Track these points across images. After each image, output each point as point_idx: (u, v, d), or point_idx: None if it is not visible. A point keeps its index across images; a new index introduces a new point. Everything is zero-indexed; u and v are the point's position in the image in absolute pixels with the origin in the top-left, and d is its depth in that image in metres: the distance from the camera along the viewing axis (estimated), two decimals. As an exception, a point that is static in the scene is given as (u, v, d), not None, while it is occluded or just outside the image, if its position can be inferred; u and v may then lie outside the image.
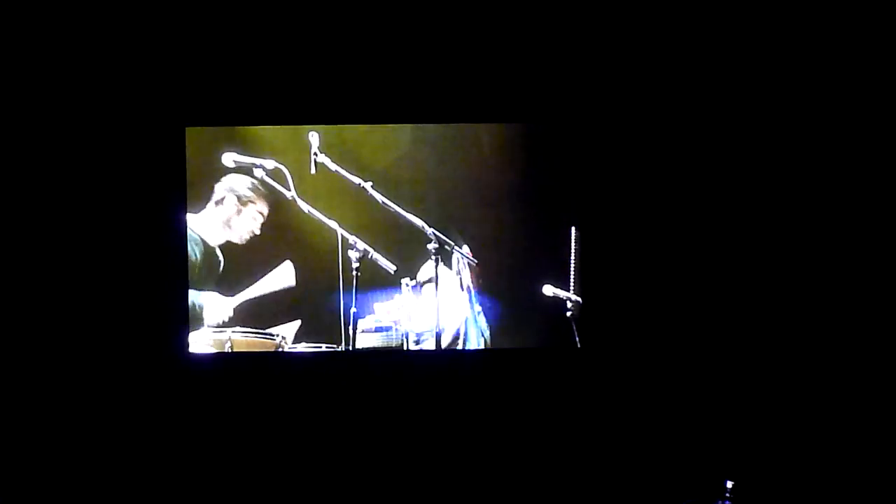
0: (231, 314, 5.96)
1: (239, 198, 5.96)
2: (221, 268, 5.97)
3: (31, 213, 5.79)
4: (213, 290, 5.96)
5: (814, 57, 5.82)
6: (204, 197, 5.96)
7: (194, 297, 5.94)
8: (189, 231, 5.92)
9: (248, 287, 5.97)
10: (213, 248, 5.97)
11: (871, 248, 5.82)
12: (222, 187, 5.97)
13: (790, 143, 5.87)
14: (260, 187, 5.95)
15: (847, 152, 5.83)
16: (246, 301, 5.96)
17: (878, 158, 5.81)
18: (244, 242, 5.98)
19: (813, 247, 5.87)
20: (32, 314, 5.79)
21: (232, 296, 5.97)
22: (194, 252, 5.93)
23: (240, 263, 5.99)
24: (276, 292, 5.96)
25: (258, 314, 5.97)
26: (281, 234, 6.00)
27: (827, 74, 5.82)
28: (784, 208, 5.88)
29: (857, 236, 5.84)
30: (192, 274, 5.93)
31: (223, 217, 5.99)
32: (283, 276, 5.98)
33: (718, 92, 5.88)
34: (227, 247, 5.99)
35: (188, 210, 5.93)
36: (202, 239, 5.96)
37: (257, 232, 5.99)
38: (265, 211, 5.98)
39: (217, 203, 5.98)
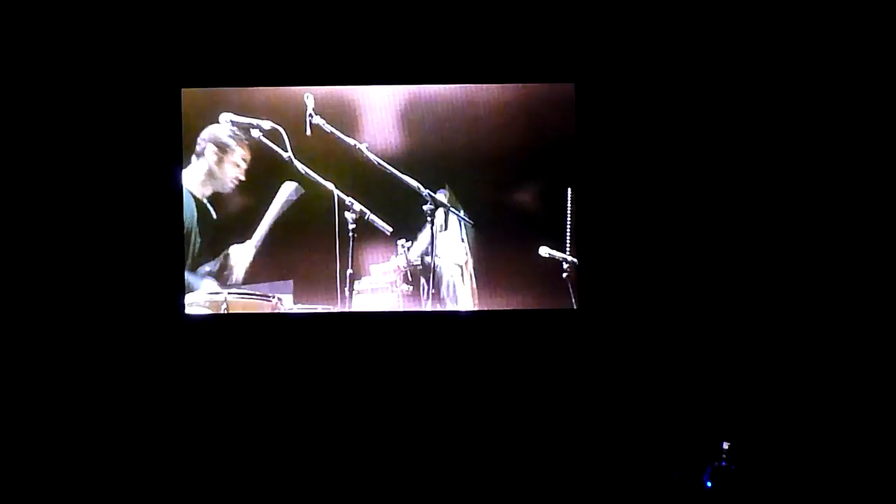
0: (254, 252, 5.94)
1: (218, 146, 5.93)
2: (215, 217, 5.96)
3: (26, 175, 5.77)
4: (233, 245, 5.97)
5: (803, 29, 5.84)
6: (191, 153, 5.94)
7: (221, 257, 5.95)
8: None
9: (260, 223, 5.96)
10: (203, 203, 5.95)
11: (857, 212, 5.86)
12: (201, 138, 5.94)
13: (786, 112, 5.87)
14: (239, 133, 5.91)
15: (840, 132, 5.86)
16: (264, 235, 5.95)
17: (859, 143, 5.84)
18: (231, 191, 5.95)
19: (803, 210, 5.88)
20: (27, 277, 5.78)
21: (247, 240, 5.96)
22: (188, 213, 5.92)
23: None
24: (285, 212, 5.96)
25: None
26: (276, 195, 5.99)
27: (816, 51, 5.85)
28: (778, 172, 5.89)
29: (846, 210, 5.86)
30: (194, 235, 5.93)
31: (205, 168, 5.95)
32: (287, 194, 5.96)
33: (719, 56, 5.87)
34: (217, 199, 5.96)
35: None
36: (191, 194, 5.93)
37: (242, 178, 5.95)
38: (247, 156, 5.94)
39: (198, 155, 5.94)
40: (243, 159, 5.94)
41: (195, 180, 5.93)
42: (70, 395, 5.77)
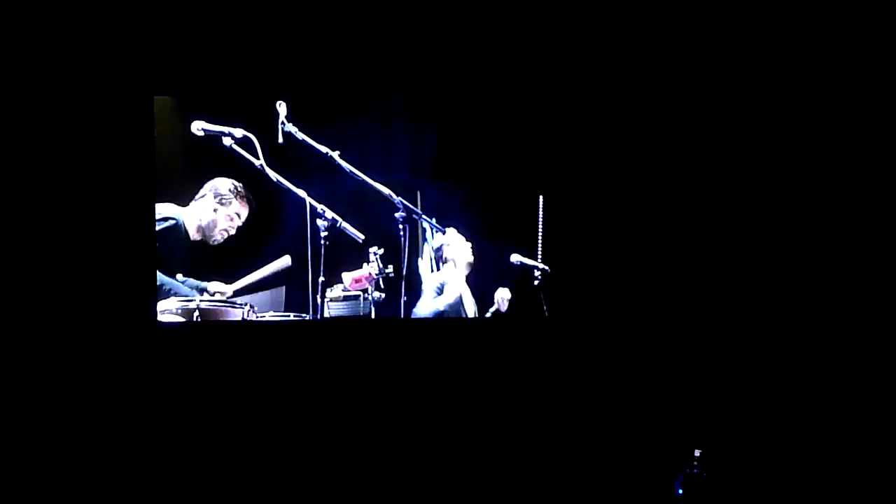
0: (229, 295, 6.02)
1: (219, 198, 5.96)
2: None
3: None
4: (214, 279, 6.01)
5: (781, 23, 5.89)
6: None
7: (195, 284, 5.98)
8: (177, 217, 5.93)
9: (245, 276, 6.02)
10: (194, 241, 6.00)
11: (828, 214, 5.92)
12: (207, 185, 5.98)
13: (756, 116, 5.92)
14: (241, 190, 5.95)
15: (812, 135, 5.91)
16: (245, 286, 6.02)
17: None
18: (217, 244, 5.99)
19: (772, 220, 5.93)
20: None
21: (231, 282, 6.01)
22: (178, 234, 5.94)
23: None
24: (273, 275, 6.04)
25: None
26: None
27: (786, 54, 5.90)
28: (749, 174, 5.93)
29: (815, 214, 5.92)
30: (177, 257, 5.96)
31: (200, 214, 5.97)
32: (280, 266, 6.03)
33: (687, 63, 5.91)
34: (201, 244, 6.01)
35: (173, 199, 5.94)
36: (185, 227, 5.95)
37: (232, 233, 5.99)
38: (243, 213, 5.98)
39: (198, 199, 5.97)
40: (238, 215, 5.97)
41: (191, 222, 5.96)
42: (41, 403, 5.71)
